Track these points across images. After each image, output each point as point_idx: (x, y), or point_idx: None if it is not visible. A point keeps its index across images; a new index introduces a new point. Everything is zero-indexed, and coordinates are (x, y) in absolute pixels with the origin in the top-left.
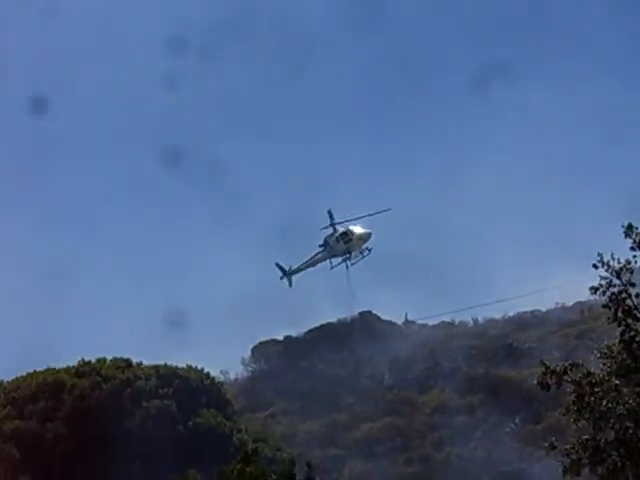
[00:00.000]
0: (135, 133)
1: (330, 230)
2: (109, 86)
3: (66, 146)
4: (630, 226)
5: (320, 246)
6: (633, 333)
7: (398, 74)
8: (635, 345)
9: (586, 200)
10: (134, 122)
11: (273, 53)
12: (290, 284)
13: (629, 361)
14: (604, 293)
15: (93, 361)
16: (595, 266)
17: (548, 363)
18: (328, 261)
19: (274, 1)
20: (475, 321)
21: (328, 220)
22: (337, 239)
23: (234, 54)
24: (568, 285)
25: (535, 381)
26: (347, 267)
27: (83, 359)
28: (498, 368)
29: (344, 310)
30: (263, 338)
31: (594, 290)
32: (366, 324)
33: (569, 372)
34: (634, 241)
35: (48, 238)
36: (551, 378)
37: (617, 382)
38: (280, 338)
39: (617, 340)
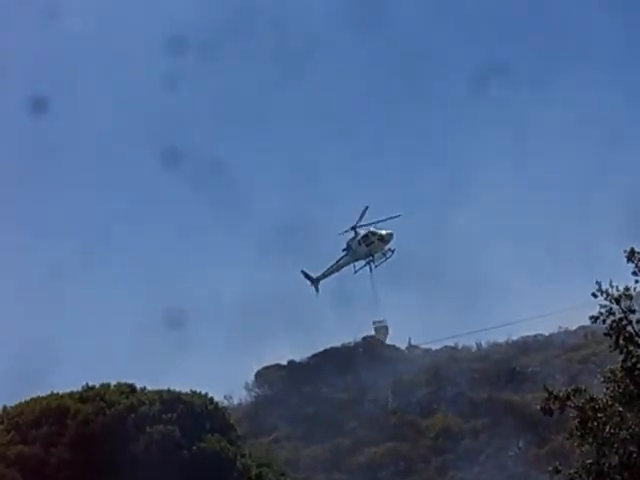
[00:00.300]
0: (135, 133)
1: (352, 234)
2: (109, 86)
3: (65, 146)
4: (632, 251)
5: (343, 250)
6: (635, 360)
7: (398, 74)
8: (637, 372)
9: (591, 222)
10: (134, 122)
11: (273, 53)
12: (317, 291)
13: (632, 387)
14: (604, 321)
15: (97, 386)
16: (594, 295)
17: (551, 389)
18: (352, 265)
19: (274, 1)
20: (478, 345)
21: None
22: (359, 242)
23: (234, 54)
24: (571, 309)
25: (538, 407)
26: (370, 270)
27: (87, 384)
28: (501, 392)
29: (370, 314)
30: (267, 363)
31: (594, 319)
32: (370, 348)
33: (572, 398)
34: (636, 266)
35: (47, 241)
36: (554, 404)
37: (620, 408)
38: (284, 363)
39: (619, 366)
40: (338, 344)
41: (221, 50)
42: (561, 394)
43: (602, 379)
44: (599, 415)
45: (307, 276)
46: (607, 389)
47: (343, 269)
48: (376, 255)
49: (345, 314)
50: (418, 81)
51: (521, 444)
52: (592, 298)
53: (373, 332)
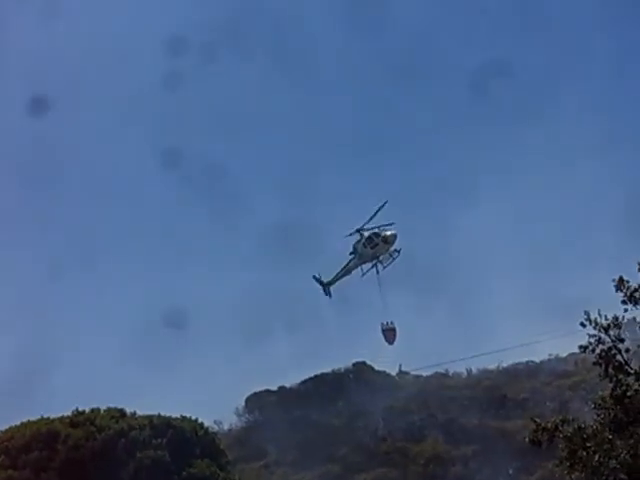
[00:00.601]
0: (135, 133)
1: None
2: (109, 86)
3: (65, 146)
4: (621, 279)
5: (350, 254)
6: (625, 388)
7: (398, 74)
8: (627, 400)
9: (581, 247)
10: (134, 122)
11: (273, 53)
12: (330, 295)
13: (621, 415)
14: (593, 351)
15: (87, 411)
16: (583, 324)
17: (539, 420)
18: (360, 268)
19: (274, 1)
20: (469, 372)
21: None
22: (364, 245)
23: (234, 54)
24: (562, 336)
25: (527, 438)
26: (377, 272)
27: (77, 409)
28: (492, 419)
29: (378, 316)
30: (257, 389)
31: (583, 349)
32: (360, 374)
33: (560, 428)
34: (625, 294)
35: (46, 245)
36: (542, 435)
37: (610, 436)
38: (274, 388)
39: (609, 394)
40: (328, 370)
41: (221, 50)
42: (549, 425)
43: (592, 406)
44: (588, 444)
45: (319, 281)
46: (597, 416)
47: (352, 272)
48: (382, 257)
49: (353, 318)
50: (418, 81)
51: (511, 471)
52: (580, 327)
53: (381, 335)
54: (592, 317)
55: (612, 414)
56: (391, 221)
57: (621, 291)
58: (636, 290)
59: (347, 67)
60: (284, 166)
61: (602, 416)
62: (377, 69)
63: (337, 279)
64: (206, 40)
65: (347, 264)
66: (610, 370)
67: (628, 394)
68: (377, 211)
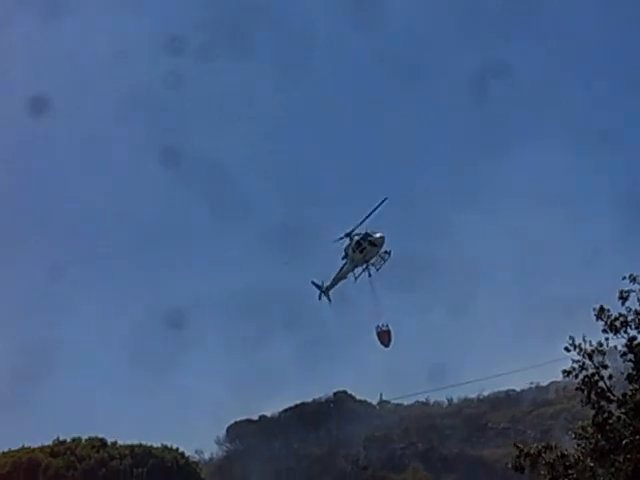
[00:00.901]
0: (135, 132)
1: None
2: (109, 86)
3: (65, 146)
4: (602, 308)
5: (342, 258)
6: (606, 415)
7: (398, 74)
8: (609, 427)
9: (565, 275)
10: (134, 122)
11: (273, 53)
12: (329, 300)
13: (603, 443)
14: (577, 376)
15: (68, 440)
16: (567, 349)
17: (522, 445)
18: (352, 273)
19: (274, 1)
20: (450, 401)
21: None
22: (353, 249)
23: (234, 54)
24: (542, 365)
25: (509, 464)
26: (369, 275)
27: (58, 438)
28: (473, 448)
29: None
30: (238, 418)
31: (567, 373)
32: (341, 404)
33: (543, 454)
34: (605, 323)
35: (45, 246)
36: (525, 461)
37: (591, 464)
38: (255, 418)
39: (591, 421)
40: (309, 399)
41: (221, 50)
42: (532, 451)
43: (573, 435)
44: (570, 472)
45: (317, 286)
46: (578, 445)
47: (347, 276)
48: (374, 259)
49: (347, 321)
50: (417, 80)
51: None
52: (565, 352)
53: (376, 338)
54: (576, 342)
55: (594, 442)
56: (387, 222)
57: (601, 320)
58: (616, 319)
59: (347, 67)
60: (284, 166)
61: (583, 445)
62: (377, 69)
63: (334, 284)
64: (206, 40)
65: (341, 268)
66: (593, 396)
67: (610, 421)
68: (376, 208)
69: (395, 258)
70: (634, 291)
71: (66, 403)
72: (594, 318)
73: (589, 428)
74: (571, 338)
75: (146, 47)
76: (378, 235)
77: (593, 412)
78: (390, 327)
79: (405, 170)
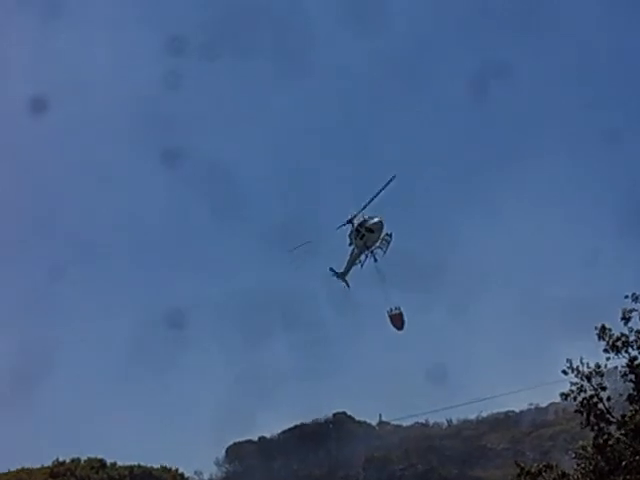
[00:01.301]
0: (135, 132)
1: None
2: (109, 86)
3: (65, 146)
4: (604, 328)
5: (349, 245)
6: (606, 437)
7: (398, 74)
8: (608, 448)
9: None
10: (134, 122)
11: (273, 53)
12: (348, 285)
13: (603, 464)
14: (575, 399)
15: (67, 461)
16: (564, 372)
17: (522, 464)
18: (358, 260)
19: (274, 1)
20: (449, 422)
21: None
22: (355, 237)
23: (234, 54)
24: (542, 386)
25: None
26: (375, 260)
27: (57, 459)
28: (472, 469)
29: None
30: (237, 439)
31: (565, 396)
32: (340, 425)
33: (543, 474)
34: (607, 343)
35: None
36: (526, 479)
37: None
38: (254, 438)
39: (590, 442)
40: (308, 420)
41: (221, 50)
42: (533, 470)
43: (573, 455)
44: None
45: (335, 272)
46: (578, 465)
47: (357, 261)
48: (378, 243)
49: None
50: (417, 80)
51: None
52: (562, 375)
53: (389, 321)
54: (574, 365)
55: (593, 463)
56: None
57: (603, 340)
58: (618, 339)
59: (347, 67)
60: (284, 166)
61: (583, 466)
62: (376, 69)
63: (348, 269)
64: (206, 40)
65: (351, 254)
66: (592, 418)
67: (610, 443)
68: (384, 187)
69: (395, 263)
70: (637, 310)
71: (65, 415)
72: (596, 338)
73: (589, 448)
74: (568, 361)
75: (146, 47)
76: (374, 221)
77: (593, 434)
78: (402, 309)
79: (405, 170)
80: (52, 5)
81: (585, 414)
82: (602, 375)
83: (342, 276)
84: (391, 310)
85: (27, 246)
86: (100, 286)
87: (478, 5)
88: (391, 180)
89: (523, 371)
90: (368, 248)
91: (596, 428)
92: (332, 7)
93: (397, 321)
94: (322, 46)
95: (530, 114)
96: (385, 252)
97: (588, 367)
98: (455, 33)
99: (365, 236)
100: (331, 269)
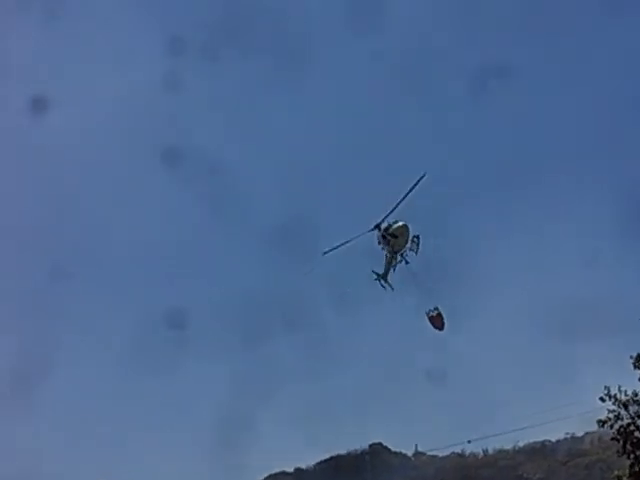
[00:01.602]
0: (135, 133)
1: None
2: (109, 86)
3: (65, 146)
4: (639, 356)
5: (382, 249)
6: None
7: (398, 74)
8: None
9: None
10: (134, 122)
11: (272, 53)
12: (392, 287)
13: None
14: (612, 426)
15: None
16: (602, 399)
17: None
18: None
19: (274, 1)
20: (485, 452)
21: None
22: (382, 242)
23: (234, 54)
24: (578, 416)
25: None
26: (407, 262)
27: None
28: None
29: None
30: (273, 470)
31: (602, 423)
32: (376, 455)
33: None
34: None
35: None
36: None
37: None
38: (290, 470)
39: (627, 471)
40: (344, 451)
41: (221, 50)
42: None
43: None
44: None
45: (377, 275)
46: None
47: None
48: (408, 245)
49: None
50: (417, 81)
51: None
52: (600, 402)
53: (428, 322)
54: (612, 392)
55: None
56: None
57: (639, 368)
58: None
59: (347, 67)
60: (284, 166)
61: None
62: (376, 69)
63: (387, 271)
64: (206, 40)
65: (385, 257)
66: (628, 447)
67: None
68: (414, 186)
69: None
70: None
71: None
72: (632, 367)
73: (625, 477)
74: (606, 388)
75: (146, 47)
76: (397, 225)
77: (629, 462)
78: (440, 309)
79: (405, 170)
80: (52, 5)
81: (622, 442)
82: (639, 403)
83: (383, 278)
84: (430, 311)
85: (27, 246)
86: (100, 286)
87: (478, 5)
88: (421, 179)
89: (559, 401)
90: (397, 252)
91: (632, 456)
92: (332, 7)
93: (437, 322)
94: (322, 46)
95: (530, 114)
96: (417, 253)
97: (626, 395)
98: (455, 33)
99: (391, 241)
100: (373, 271)
